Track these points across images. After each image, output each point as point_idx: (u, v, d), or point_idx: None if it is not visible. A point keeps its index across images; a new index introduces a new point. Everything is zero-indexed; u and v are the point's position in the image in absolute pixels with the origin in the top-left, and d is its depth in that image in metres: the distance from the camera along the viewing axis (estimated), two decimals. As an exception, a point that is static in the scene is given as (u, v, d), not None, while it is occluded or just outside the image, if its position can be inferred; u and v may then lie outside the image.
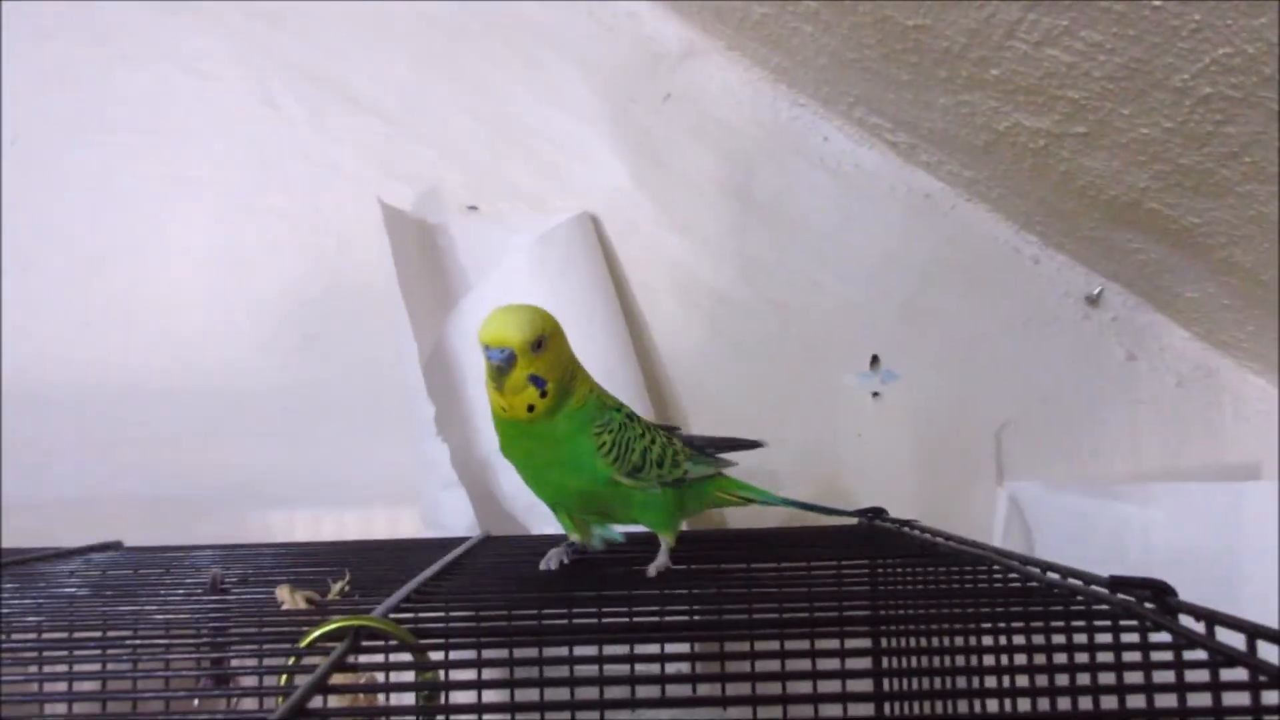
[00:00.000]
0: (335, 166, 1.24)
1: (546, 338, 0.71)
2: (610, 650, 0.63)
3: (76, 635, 0.63)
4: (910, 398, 1.24)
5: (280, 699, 0.45)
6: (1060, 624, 0.59)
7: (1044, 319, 1.24)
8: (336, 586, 0.69)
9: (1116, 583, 0.57)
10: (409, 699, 0.54)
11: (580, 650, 0.55)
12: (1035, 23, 0.83)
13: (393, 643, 0.51)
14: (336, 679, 0.51)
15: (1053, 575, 0.66)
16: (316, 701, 0.44)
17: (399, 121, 1.25)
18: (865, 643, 0.87)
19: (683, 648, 0.89)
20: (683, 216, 1.25)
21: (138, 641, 0.62)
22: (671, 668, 0.64)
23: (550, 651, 0.57)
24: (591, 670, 0.52)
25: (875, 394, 1.24)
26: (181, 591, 0.74)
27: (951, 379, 1.24)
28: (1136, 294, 1.22)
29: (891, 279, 1.25)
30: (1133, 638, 0.53)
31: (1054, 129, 0.96)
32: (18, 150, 1.23)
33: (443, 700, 0.51)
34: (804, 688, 0.58)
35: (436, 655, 0.50)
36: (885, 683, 0.89)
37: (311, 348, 1.24)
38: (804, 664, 0.78)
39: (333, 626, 0.50)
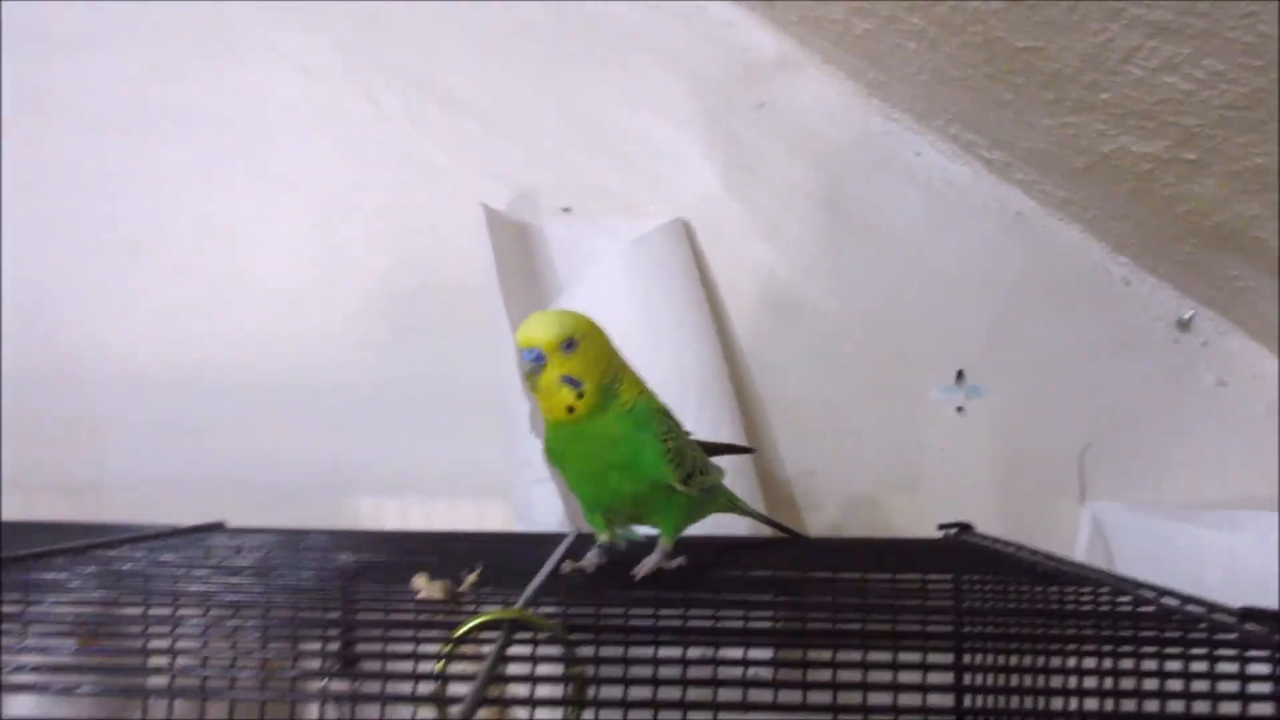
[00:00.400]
0: (432, 165, 1.27)
1: (578, 339, 0.73)
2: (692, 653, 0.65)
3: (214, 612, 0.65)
4: (994, 414, 1.24)
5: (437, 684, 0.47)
6: (1177, 650, 0.59)
7: (1133, 341, 1.23)
8: (470, 578, 0.72)
9: (1247, 613, 0.57)
10: (544, 692, 0.56)
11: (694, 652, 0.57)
12: (1155, 50, 0.83)
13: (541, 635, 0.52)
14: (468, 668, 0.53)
15: (1169, 600, 0.66)
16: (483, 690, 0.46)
17: (495, 122, 1.27)
18: (948, 658, 0.89)
19: (765, 653, 0.91)
20: (771, 225, 1.26)
21: (268, 622, 0.65)
22: (753, 674, 0.66)
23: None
24: (735, 672, 0.53)
25: (959, 409, 1.24)
26: (309, 573, 0.76)
27: (1036, 397, 1.24)
28: (1230, 320, 1.21)
29: (979, 295, 1.25)
30: (1262, 669, 0.53)
31: (1162, 154, 0.96)
32: (132, 140, 1.27)
33: (589, 695, 0.52)
34: (884, 699, 0.59)
35: (584, 650, 0.52)
36: (968, 700, 0.90)
37: (404, 342, 1.27)
38: (886, 676, 0.79)
39: (488, 618, 0.52)
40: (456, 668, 0.55)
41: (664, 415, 0.78)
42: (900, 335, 1.25)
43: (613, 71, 1.27)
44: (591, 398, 0.73)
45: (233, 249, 1.27)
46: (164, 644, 0.64)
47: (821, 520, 1.25)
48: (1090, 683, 0.62)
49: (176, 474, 1.26)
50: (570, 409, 0.73)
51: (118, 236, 1.27)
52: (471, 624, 0.53)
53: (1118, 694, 0.64)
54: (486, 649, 0.56)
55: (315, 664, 0.68)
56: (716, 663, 0.58)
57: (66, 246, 1.27)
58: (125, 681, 0.66)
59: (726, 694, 0.57)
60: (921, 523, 1.22)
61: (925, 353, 1.25)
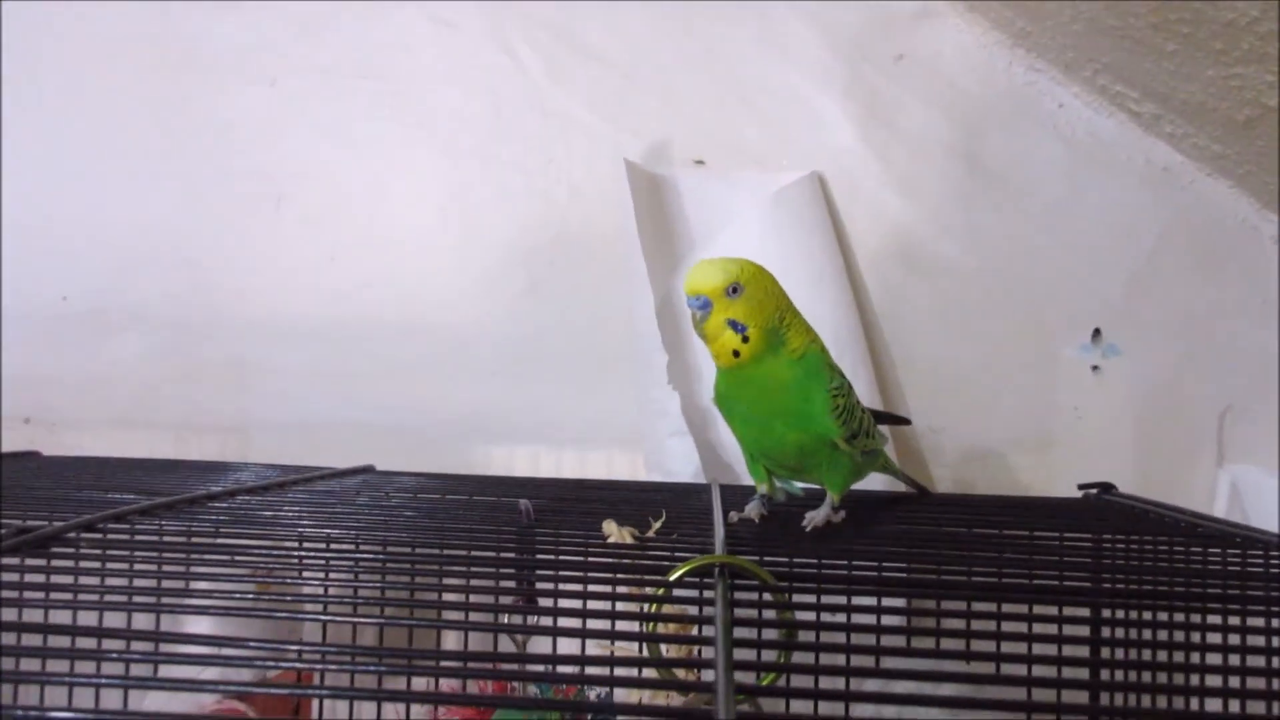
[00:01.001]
0: (568, 117, 1.28)
1: (742, 284, 0.74)
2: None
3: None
4: (1131, 374, 1.22)
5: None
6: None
7: (1278, 301, 1.20)
8: (656, 524, 0.74)
9: None
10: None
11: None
12: (1352, -1, 0.80)
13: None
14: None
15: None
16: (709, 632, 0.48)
17: (631, 75, 1.28)
18: (1085, 614, 0.88)
19: (900, 602, 0.92)
20: (907, 179, 1.25)
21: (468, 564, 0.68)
22: (887, 621, 0.67)
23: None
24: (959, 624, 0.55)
25: (1095, 368, 1.23)
26: (484, 517, 0.79)
27: (1176, 357, 1.22)
28: (1384, 280, 1.18)
29: (1119, 252, 1.23)
30: None
31: (1340, 107, 0.93)
32: (277, 94, 1.30)
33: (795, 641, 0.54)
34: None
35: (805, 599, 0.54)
36: (1105, 653, 0.89)
37: (538, 293, 1.29)
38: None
39: (702, 562, 0.54)
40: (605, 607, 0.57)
41: (836, 371, 0.79)
42: (1035, 292, 1.24)
43: (750, 23, 1.26)
44: (757, 342, 0.74)
45: (374, 201, 1.30)
46: (375, 579, 0.67)
47: (949, 477, 1.25)
48: (1233, 642, 0.62)
49: (318, 419, 1.30)
50: (736, 353, 0.74)
51: (264, 188, 1.31)
52: (685, 568, 0.54)
53: (1245, 650, 0.64)
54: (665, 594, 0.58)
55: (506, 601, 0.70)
56: (911, 612, 0.59)
57: (216, 198, 1.31)
58: (333, 610, 0.69)
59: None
60: (1052, 483, 1.22)
61: (1061, 310, 1.24)
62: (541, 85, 1.28)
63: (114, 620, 0.78)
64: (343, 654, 0.48)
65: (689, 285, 0.75)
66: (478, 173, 1.29)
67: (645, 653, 0.51)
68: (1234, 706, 0.71)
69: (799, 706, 0.60)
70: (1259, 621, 0.67)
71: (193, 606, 0.58)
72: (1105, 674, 0.85)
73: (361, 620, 0.67)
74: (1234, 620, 0.70)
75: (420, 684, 0.79)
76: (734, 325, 0.74)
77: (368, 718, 0.84)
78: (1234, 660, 0.70)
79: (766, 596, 0.55)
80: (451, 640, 0.95)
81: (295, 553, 0.69)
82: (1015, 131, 1.23)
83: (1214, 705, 0.80)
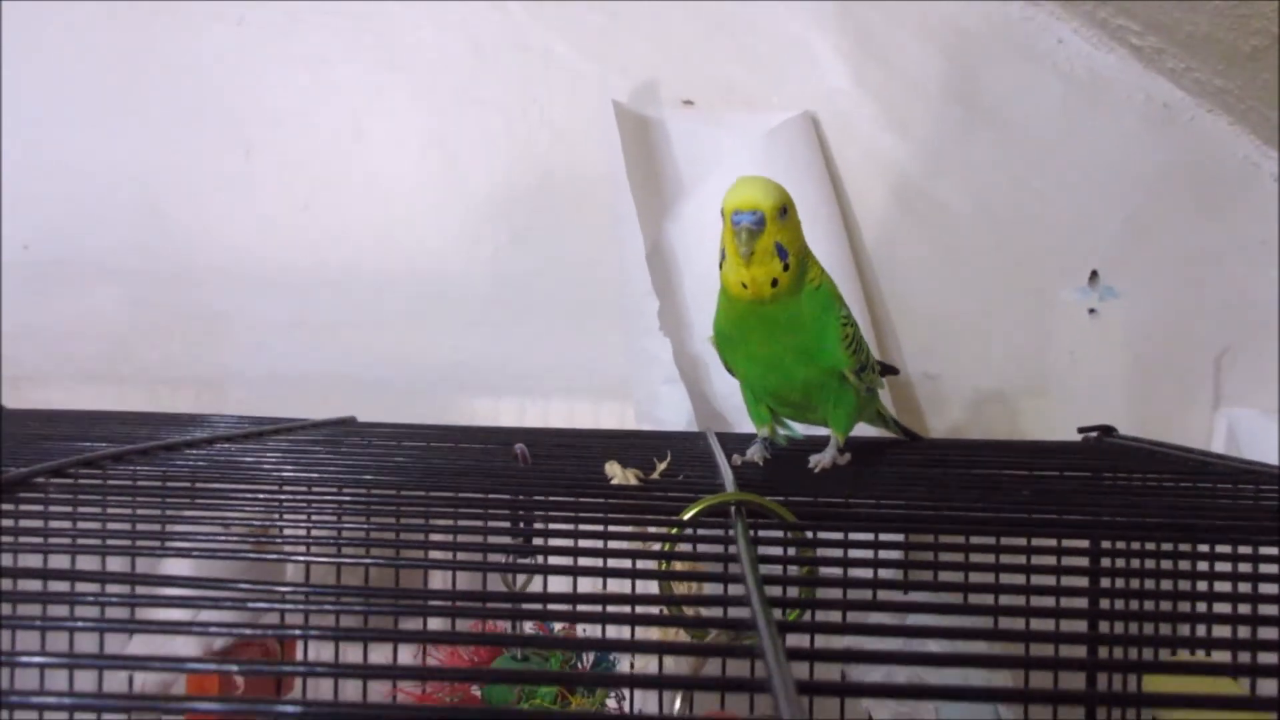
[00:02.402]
0: (551, 57, 1.23)
1: (789, 206, 0.71)
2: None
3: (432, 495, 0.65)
4: (1128, 316, 1.21)
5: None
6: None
7: (1278, 241, 1.19)
8: (660, 466, 0.71)
9: None
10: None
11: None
12: (1375, -87, 0.77)
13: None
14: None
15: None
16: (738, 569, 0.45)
17: (616, 12, 1.23)
18: (1084, 547, 0.86)
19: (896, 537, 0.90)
20: (901, 119, 1.21)
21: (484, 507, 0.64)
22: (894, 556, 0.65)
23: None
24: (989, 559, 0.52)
25: (1092, 310, 1.21)
26: (487, 462, 0.76)
27: (1173, 299, 1.20)
28: (1384, 218, 1.16)
29: (1117, 191, 1.20)
30: None
31: (1353, 33, 0.90)
32: (244, 30, 1.24)
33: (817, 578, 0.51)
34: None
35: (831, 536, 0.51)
36: (1104, 582, 0.87)
37: (521, 239, 1.25)
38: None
39: (718, 500, 0.51)
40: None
41: (844, 302, 0.76)
42: (1032, 234, 1.21)
43: (738, -44, 1.21)
44: (793, 272, 0.70)
45: (349, 145, 1.25)
46: (359, 521, 0.64)
47: (943, 423, 1.23)
48: (1228, 570, 0.60)
49: (295, 371, 1.26)
50: (775, 282, 0.70)
51: (234, 132, 1.25)
52: (700, 506, 0.51)
53: (1257, 578, 0.62)
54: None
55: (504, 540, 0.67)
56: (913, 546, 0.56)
57: (184, 143, 1.25)
58: (316, 553, 0.66)
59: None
60: (1048, 427, 1.20)
61: (1058, 252, 1.21)
62: (522, 22, 1.23)
63: (88, 566, 0.75)
64: (326, 595, 0.45)
65: (741, 199, 0.69)
66: (457, 115, 1.24)
67: (660, 592, 0.48)
68: (1244, 633, 0.70)
69: (824, 642, 0.57)
70: (1273, 550, 0.65)
71: (171, 549, 0.55)
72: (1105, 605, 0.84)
73: (345, 561, 0.64)
74: (1245, 550, 0.68)
75: (409, 626, 0.76)
76: (780, 251, 0.69)
77: (354, 659, 0.81)
78: (1245, 588, 0.69)
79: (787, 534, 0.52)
80: (441, 584, 0.93)
81: (276, 496, 0.65)
82: (1012, 69, 1.20)
83: (1222, 631, 0.79)
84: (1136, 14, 1.10)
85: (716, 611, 0.62)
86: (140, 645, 0.74)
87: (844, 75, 1.21)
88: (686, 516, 0.52)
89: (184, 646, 0.73)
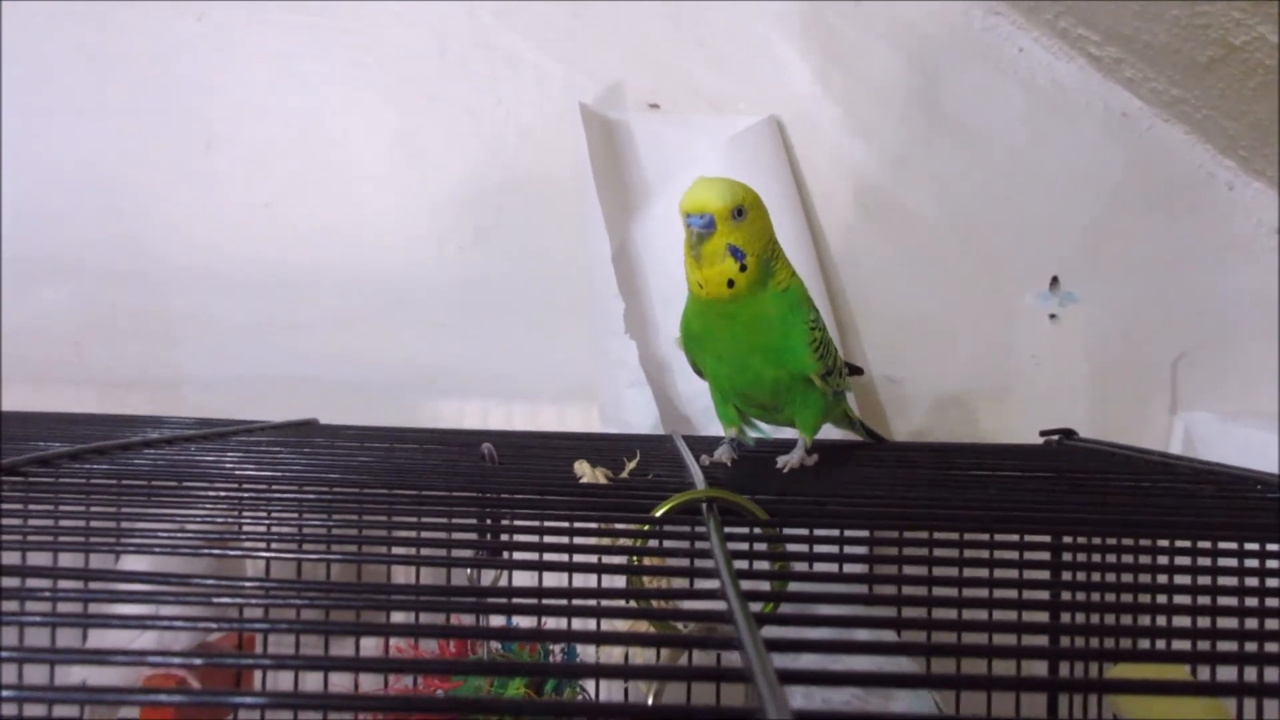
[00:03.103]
0: (517, 57, 1.23)
1: (746, 208, 0.70)
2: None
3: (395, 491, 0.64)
4: (1089, 321, 1.22)
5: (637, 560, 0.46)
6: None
7: (1233, 247, 1.21)
8: (629, 465, 0.70)
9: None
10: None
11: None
12: (1327, -75, 0.79)
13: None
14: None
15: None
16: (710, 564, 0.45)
17: (582, 13, 1.23)
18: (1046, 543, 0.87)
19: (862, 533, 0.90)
20: (866, 124, 1.22)
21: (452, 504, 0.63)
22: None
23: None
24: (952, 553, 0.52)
25: (1053, 316, 1.22)
26: (452, 462, 0.75)
27: (1132, 305, 1.22)
28: (1334, 227, 1.19)
29: (1077, 199, 1.22)
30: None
31: (1305, 44, 0.92)
32: (205, 26, 1.22)
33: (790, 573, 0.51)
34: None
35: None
36: (1065, 575, 0.88)
37: (487, 240, 1.24)
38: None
39: (692, 496, 0.51)
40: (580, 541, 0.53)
41: (813, 305, 0.76)
42: (994, 239, 1.23)
43: (705, -40, 1.22)
44: (753, 272, 0.70)
45: (313, 143, 1.24)
46: (321, 518, 0.63)
47: (907, 426, 1.24)
48: (1188, 564, 0.61)
49: (255, 373, 1.24)
50: (731, 283, 0.69)
51: (195, 129, 1.23)
52: (672, 503, 0.51)
53: (1215, 570, 0.63)
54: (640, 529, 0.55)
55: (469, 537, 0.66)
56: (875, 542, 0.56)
57: (142, 139, 1.23)
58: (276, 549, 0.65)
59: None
60: (1011, 431, 1.22)
61: (1020, 258, 1.23)
62: (488, 22, 1.22)
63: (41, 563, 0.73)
64: (288, 589, 0.44)
65: (691, 202, 0.69)
66: (423, 113, 1.23)
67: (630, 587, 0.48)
68: (1203, 623, 0.70)
69: (798, 634, 0.56)
70: (1233, 545, 0.67)
71: (127, 545, 0.53)
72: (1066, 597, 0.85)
73: (307, 556, 0.62)
74: (1204, 545, 0.69)
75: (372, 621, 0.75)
76: (734, 252, 0.69)
77: (316, 652, 0.79)
78: (1204, 581, 0.70)
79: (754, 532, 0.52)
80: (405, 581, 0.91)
81: (236, 494, 0.64)
82: (975, 76, 1.21)
83: (1182, 621, 0.80)
84: (1096, 24, 1.12)
85: (690, 606, 0.62)
86: (96, 643, 0.72)
87: (809, 80, 1.22)
88: (659, 513, 0.52)
89: (142, 644, 0.71)
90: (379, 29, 1.23)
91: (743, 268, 0.69)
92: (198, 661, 0.58)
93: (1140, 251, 1.22)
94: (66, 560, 0.72)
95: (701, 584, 0.46)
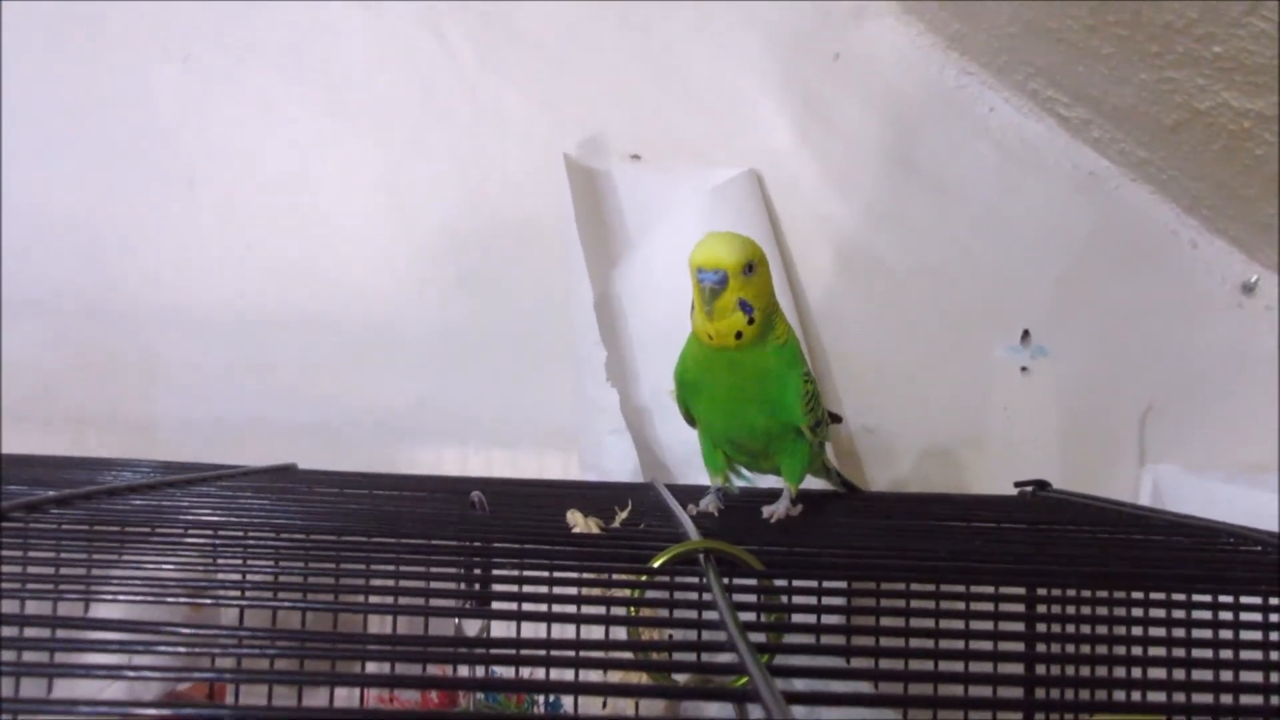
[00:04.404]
0: (500, 106, 1.24)
1: (755, 264, 0.73)
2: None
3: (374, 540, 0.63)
4: (1058, 374, 1.24)
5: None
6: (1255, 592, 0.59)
7: (1197, 303, 1.24)
8: (621, 514, 0.70)
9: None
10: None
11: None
12: (1286, -1, 0.82)
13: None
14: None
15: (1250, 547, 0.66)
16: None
17: (566, 62, 1.25)
18: (1022, 595, 0.88)
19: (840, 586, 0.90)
20: (843, 178, 1.25)
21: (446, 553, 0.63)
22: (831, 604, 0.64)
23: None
24: (929, 605, 0.53)
25: (1024, 368, 1.24)
26: (438, 510, 0.75)
27: (1101, 358, 1.24)
28: (1295, 285, 1.22)
29: (1048, 254, 1.24)
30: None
31: (1267, 110, 0.95)
32: (190, 69, 1.23)
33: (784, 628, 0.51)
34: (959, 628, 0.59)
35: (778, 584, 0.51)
36: (1040, 627, 0.89)
37: (467, 286, 1.24)
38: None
39: (687, 548, 0.51)
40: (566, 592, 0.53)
41: (805, 360, 0.78)
42: (967, 292, 1.25)
43: (688, 17, 1.24)
44: (758, 326, 0.72)
45: (295, 185, 1.24)
46: (298, 566, 0.62)
47: (883, 476, 1.25)
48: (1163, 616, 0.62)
49: (232, 416, 1.23)
50: (739, 335, 0.72)
51: (175, 171, 1.23)
52: (670, 553, 0.51)
53: (1190, 623, 0.64)
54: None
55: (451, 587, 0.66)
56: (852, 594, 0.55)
57: (122, 178, 1.23)
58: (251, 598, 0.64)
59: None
60: (984, 481, 1.23)
61: (992, 311, 1.25)
62: (473, 72, 1.24)
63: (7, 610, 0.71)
64: (260, 638, 0.44)
65: (705, 258, 0.71)
66: (406, 159, 1.24)
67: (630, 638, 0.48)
68: (1178, 674, 0.71)
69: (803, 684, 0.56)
70: (1206, 598, 0.68)
71: (97, 594, 0.53)
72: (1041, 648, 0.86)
73: (282, 605, 0.61)
74: (1179, 598, 0.70)
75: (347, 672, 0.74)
76: (744, 306, 0.72)
77: (289, 703, 0.78)
78: (1179, 633, 0.71)
79: (750, 581, 0.52)
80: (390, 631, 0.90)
81: (211, 542, 0.63)
82: (948, 133, 1.24)
83: (1157, 672, 0.80)
84: (1065, 86, 1.15)
85: (691, 656, 0.61)
86: (63, 693, 0.70)
87: (788, 134, 1.24)
88: (657, 564, 0.52)
89: (112, 694, 0.69)
90: (363, 75, 1.24)
91: (750, 320, 0.72)
92: (168, 713, 0.57)
93: (1108, 306, 1.24)
94: (35, 608, 0.71)
95: (706, 635, 0.46)
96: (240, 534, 0.65)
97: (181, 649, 0.43)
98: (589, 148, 1.23)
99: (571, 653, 0.43)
